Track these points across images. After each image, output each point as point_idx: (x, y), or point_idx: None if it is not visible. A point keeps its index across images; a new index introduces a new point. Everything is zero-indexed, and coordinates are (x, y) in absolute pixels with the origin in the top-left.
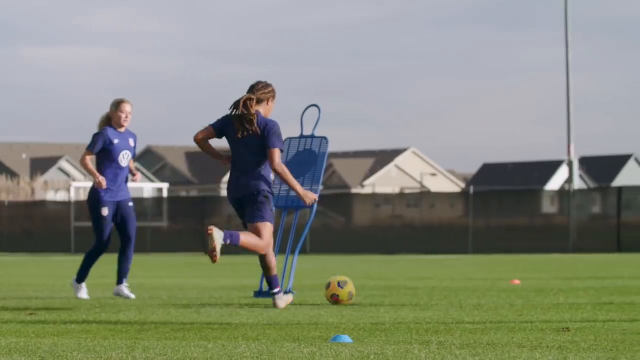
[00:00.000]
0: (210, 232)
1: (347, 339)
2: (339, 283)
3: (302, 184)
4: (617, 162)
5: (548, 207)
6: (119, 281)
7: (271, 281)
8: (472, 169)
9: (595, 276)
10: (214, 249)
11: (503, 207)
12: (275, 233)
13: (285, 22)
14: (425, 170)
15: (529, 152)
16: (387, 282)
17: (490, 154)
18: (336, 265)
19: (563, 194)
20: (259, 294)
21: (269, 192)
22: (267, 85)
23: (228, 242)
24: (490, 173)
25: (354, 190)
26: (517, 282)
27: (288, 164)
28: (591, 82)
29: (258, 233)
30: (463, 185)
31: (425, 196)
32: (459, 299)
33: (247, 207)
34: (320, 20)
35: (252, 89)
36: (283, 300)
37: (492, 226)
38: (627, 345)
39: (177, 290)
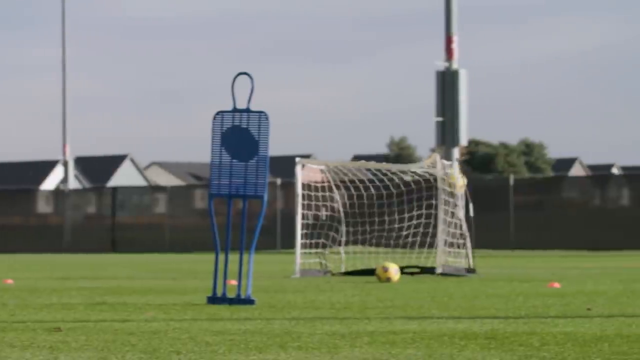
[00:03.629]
0: None
1: None
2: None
3: None
4: (113, 162)
5: (43, 206)
6: None
7: None
8: None
9: (89, 276)
10: None
11: None
12: None
13: None
14: None
15: (23, 151)
16: None
17: None
18: None
19: (58, 193)
20: None
21: None
22: None
23: None
24: None
25: None
26: (10, 281)
27: None
28: (88, 82)
29: None
30: None
31: None
32: None
33: None
34: None
35: None
36: None
37: None
38: (118, 345)
39: None
